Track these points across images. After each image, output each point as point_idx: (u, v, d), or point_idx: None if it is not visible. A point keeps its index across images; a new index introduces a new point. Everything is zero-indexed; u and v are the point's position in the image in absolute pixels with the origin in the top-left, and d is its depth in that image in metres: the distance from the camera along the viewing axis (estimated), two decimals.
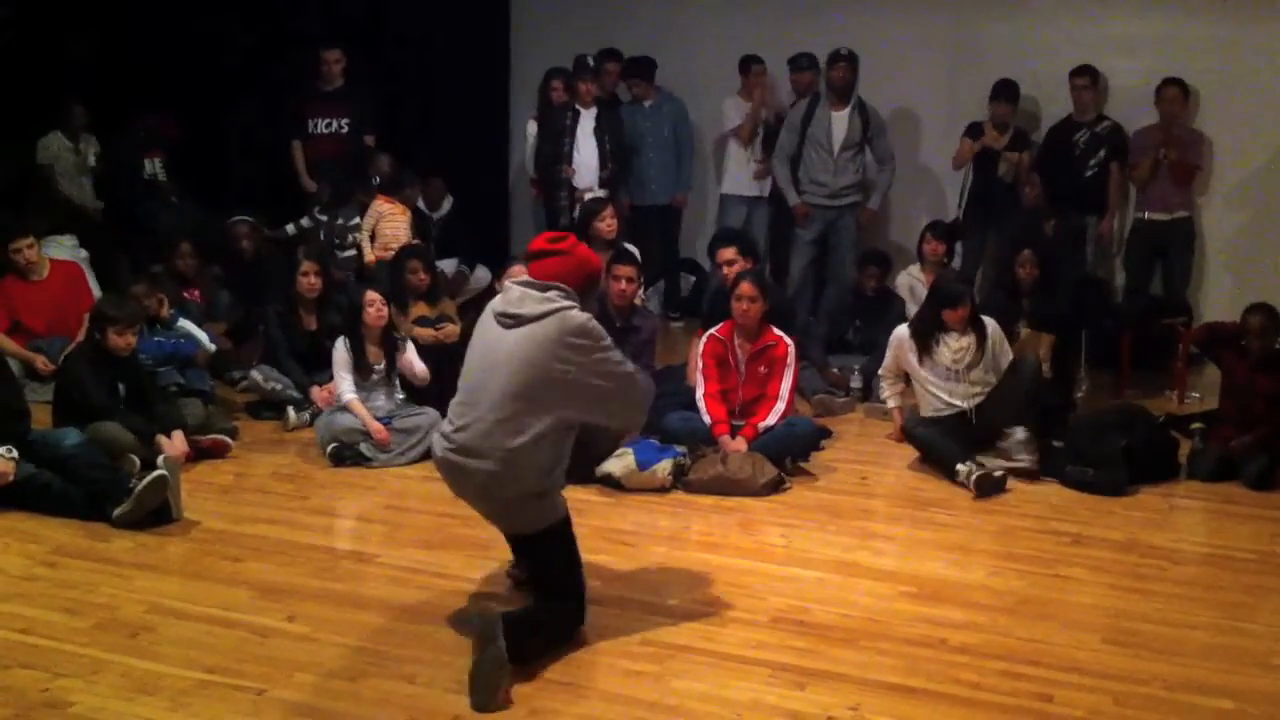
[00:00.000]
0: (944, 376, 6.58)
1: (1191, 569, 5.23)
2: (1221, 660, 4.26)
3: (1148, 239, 8.90)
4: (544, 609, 4.22)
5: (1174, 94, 8.73)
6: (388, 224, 8.76)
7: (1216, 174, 9.10)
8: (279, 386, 7.15)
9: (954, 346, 6.57)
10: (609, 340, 4.24)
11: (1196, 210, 9.03)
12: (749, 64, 9.75)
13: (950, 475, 6.23)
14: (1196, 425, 6.81)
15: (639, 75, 9.86)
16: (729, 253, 7.47)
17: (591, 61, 9.58)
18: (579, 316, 4.16)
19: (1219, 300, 8.95)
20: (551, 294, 4.16)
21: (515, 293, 4.21)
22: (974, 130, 9.17)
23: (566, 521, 4.26)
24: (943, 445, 6.37)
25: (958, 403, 6.55)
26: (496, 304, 4.27)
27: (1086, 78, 8.94)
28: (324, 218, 8.93)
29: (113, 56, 9.45)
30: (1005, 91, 9.02)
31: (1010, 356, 6.65)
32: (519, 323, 4.14)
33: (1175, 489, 6.31)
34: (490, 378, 4.14)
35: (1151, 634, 4.46)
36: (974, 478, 6.06)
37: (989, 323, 6.65)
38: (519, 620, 4.03)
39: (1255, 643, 4.45)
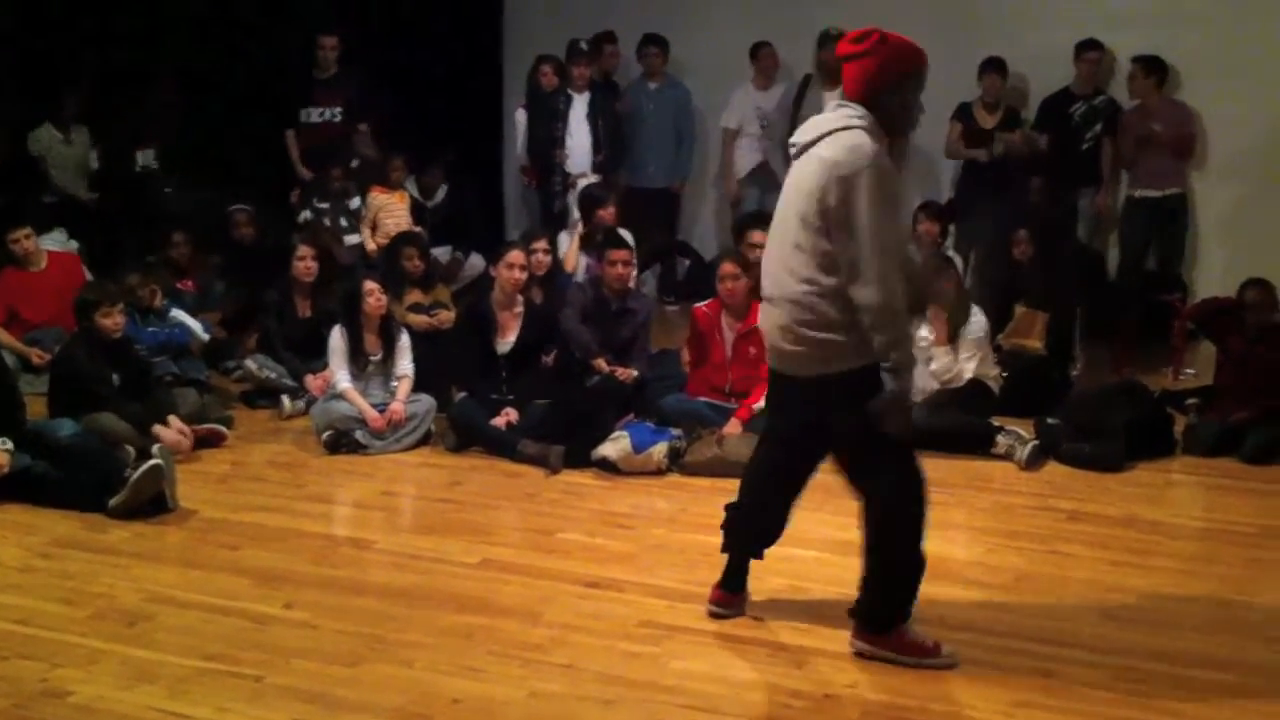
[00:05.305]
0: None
1: (1190, 544, 5.24)
2: (1222, 634, 4.26)
3: (1141, 215, 8.87)
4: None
5: (1134, 70, 8.75)
6: (387, 215, 8.82)
7: (1209, 149, 9.06)
8: (273, 375, 7.14)
9: (921, 333, 6.53)
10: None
11: (1189, 186, 9.02)
12: (759, 49, 9.70)
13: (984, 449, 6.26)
14: (1192, 401, 6.81)
15: (656, 45, 9.81)
16: (760, 235, 7.34)
17: (585, 45, 9.53)
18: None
19: (1213, 275, 8.91)
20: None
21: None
22: (961, 113, 9.15)
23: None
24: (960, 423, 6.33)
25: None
26: None
27: (1097, 52, 8.92)
28: (324, 205, 8.90)
29: (103, 44, 9.43)
30: (994, 65, 9.02)
31: (979, 358, 6.59)
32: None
33: (1172, 464, 6.32)
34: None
35: (1151, 609, 4.45)
36: (1025, 453, 6.11)
37: (975, 316, 6.61)
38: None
39: (1256, 616, 4.45)
